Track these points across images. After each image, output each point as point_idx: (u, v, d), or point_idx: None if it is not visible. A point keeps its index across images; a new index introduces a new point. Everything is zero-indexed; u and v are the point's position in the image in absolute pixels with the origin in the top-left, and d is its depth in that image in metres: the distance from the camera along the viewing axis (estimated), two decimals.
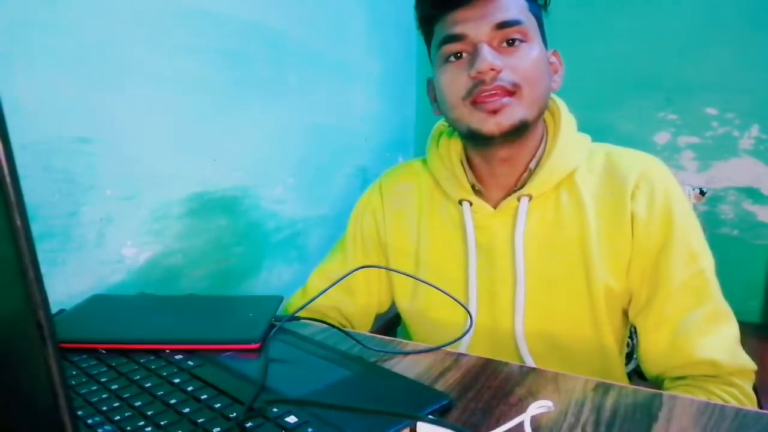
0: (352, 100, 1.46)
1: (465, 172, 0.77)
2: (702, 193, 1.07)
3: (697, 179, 1.58)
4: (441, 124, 0.83)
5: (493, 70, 0.65)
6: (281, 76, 1.19)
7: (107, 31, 0.84)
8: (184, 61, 0.97)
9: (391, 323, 0.99)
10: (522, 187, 0.73)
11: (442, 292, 0.69)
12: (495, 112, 0.67)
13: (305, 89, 1.27)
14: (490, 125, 0.67)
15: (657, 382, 0.70)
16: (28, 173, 0.75)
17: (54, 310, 0.71)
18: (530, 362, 0.72)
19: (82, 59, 0.80)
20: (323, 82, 1.34)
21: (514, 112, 0.67)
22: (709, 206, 1.57)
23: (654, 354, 0.69)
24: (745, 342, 0.68)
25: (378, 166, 1.45)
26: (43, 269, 0.26)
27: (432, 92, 0.77)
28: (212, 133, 1.04)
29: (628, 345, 0.89)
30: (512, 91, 0.67)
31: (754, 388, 0.66)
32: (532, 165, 0.74)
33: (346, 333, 0.66)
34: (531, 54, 0.68)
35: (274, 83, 1.17)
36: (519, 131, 0.69)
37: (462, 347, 0.74)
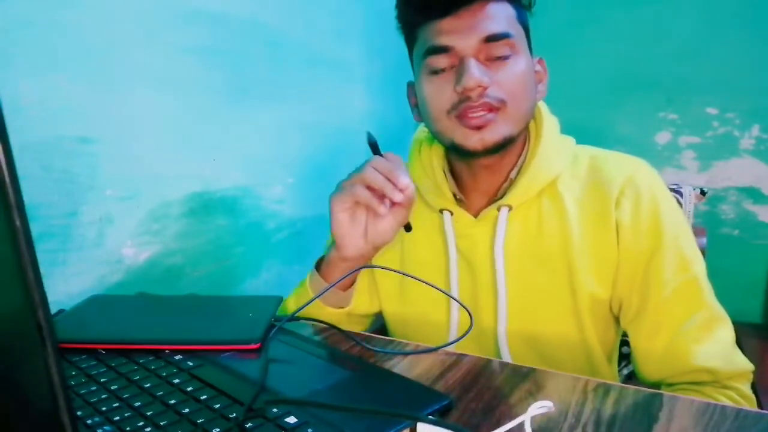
0: (352, 100, 1.46)
1: (446, 180, 0.77)
2: (703, 193, 1.07)
3: (697, 179, 1.58)
4: (421, 131, 0.82)
5: (480, 86, 0.64)
6: (281, 75, 1.19)
7: (107, 31, 0.84)
8: (184, 61, 0.97)
9: None
10: (503, 196, 0.72)
11: (440, 290, 0.69)
12: (479, 128, 0.66)
13: (305, 89, 1.27)
14: (473, 141, 0.66)
15: (654, 388, 0.70)
16: (28, 173, 0.75)
17: (53, 310, 0.71)
18: None
19: (82, 59, 0.80)
20: (323, 82, 1.34)
21: (498, 129, 0.66)
22: (709, 206, 1.57)
23: (649, 362, 0.68)
24: (745, 342, 0.68)
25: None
26: (43, 269, 0.26)
27: (413, 97, 0.75)
28: (212, 133, 1.04)
29: (629, 346, 0.89)
30: (497, 107, 0.65)
31: (754, 389, 0.66)
32: (512, 174, 0.73)
33: (346, 333, 0.66)
34: (518, 68, 0.66)
35: (273, 83, 1.17)
36: (503, 146, 0.68)
37: (452, 346, 0.74)
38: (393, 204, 0.68)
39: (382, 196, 0.66)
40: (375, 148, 0.69)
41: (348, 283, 0.77)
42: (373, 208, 0.67)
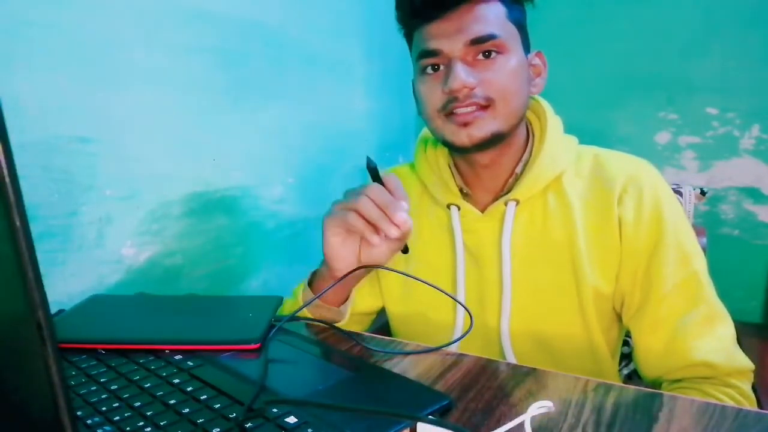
0: (352, 100, 1.46)
1: (453, 176, 0.78)
2: (703, 193, 1.07)
3: (697, 179, 1.58)
4: (426, 130, 0.83)
5: (465, 87, 0.66)
6: (281, 75, 1.19)
7: (107, 31, 0.84)
8: (184, 61, 0.97)
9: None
10: (509, 191, 0.74)
11: (442, 291, 0.69)
12: (466, 124, 0.67)
13: (305, 89, 1.27)
14: (461, 137, 0.68)
15: (654, 385, 0.70)
16: (27, 173, 0.75)
17: (53, 310, 0.71)
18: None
19: (82, 59, 0.80)
20: (323, 82, 1.34)
21: (485, 125, 0.67)
22: (709, 206, 1.57)
23: (650, 357, 0.69)
24: (745, 342, 0.68)
25: (378, 166, 1.45)
26: (43, 269, 0.26)
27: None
28: (212, 133, 1.04)
29: (629, 345, 0.89)
30: (486, 106, 0.67)
31: (754, 388, 0.66)
32: (518, 169, 0.74)
33: (346, 333, 0.66)
34: (507, 66, 0.67)
35: (273, 83, 1.17)
36: (493, 142, 0.69)
37: (452, 346, 0.74)
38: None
39: (376, 226, 0.64)
40: (375, 174, 0.66)
41: (342, 298, 0.75)
42: (366, 239, 0.65)
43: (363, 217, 0.64)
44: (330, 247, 0.69)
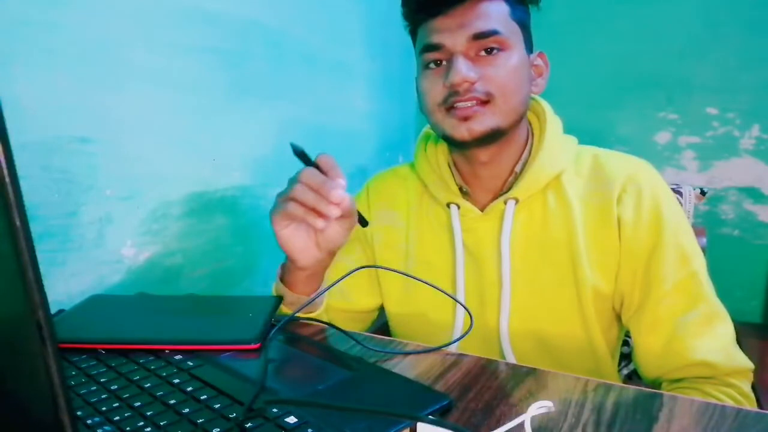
0: (352, 100, 1.46)
1: (453, 175, 0.78)
2: (703, 193, 1.07)
3: (697, 179, 1.58)
4: (427, 129, 0.84)
5: (466, 81, 0.66)
6: (281, 75, 1.19)
7: (107, 30, 0.84)
8: (184, 61, 0.97)
9: None
10: (508, 190, 0.74)
11: (442, 292, 0.69)
12: (466, 118, 0.68)
13: (305, 89, 1.27)
14: (461, 131, 0.69)
15: (654, 385, 0.70)
16: (27, 173, 0.75)
17: (53, 310, 0.71)
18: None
19: (81, 59, 0.80)
20: (323, 82, 1.34)
21: (485, 120, 0.68)
22: (709, 206, 1.57)
23: (649, 357, 0.69)
24: (745, 342, 0.68)
25: (378, 166, 1.45)
26: (43, 269, 0.26)
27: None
28: (212, 133, 1.03)
29: (629, 345, 0.89)
30: (486, 101, 0.68)
31: (754, 388, 0.66)
32: (518, 168, 0.75)
33: (346, 333, 0.66)
34: (509, 63, 0.68)
35: (273, 83, 1.17)
36: (492, 137, 0.70)
37: (452, 347, 0.75)
38: None
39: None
40: (304, 158, 0.66)
41: (313, 288, 0.74)
42: (310, 224, 0.65)
43: (301, 204, 0.64)
44: (282, 240, 0.69)
